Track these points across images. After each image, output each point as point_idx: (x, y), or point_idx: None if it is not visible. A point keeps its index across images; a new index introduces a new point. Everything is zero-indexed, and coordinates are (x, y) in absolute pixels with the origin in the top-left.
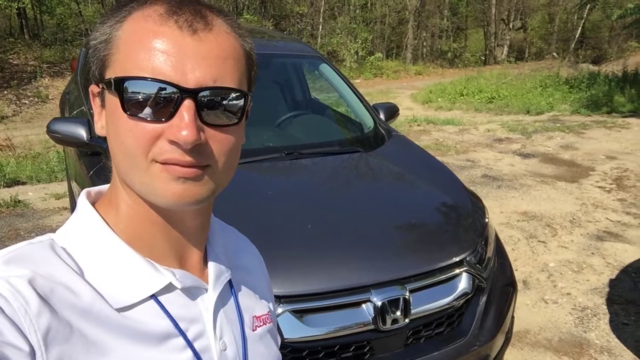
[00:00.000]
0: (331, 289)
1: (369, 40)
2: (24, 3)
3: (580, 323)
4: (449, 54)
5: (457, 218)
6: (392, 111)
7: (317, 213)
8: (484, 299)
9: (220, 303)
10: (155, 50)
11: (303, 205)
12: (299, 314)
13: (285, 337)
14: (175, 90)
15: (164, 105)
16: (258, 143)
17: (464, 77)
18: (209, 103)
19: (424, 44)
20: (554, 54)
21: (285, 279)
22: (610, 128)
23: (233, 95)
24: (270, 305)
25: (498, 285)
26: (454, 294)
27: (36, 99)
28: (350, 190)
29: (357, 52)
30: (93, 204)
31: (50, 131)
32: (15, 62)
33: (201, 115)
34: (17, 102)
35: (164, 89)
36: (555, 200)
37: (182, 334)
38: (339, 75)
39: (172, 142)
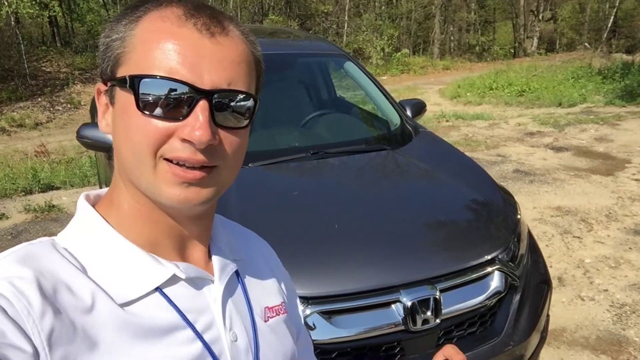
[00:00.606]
0: (359, 289)
1: (395, 36)
2: (55, 11)
3: (619, 320)
4: (477, 48)
5: (488, 215)
6: (419, 107)
7: (344, 212)
8: (517, 297)
9: (227, 294)
10: (172, 50)
11: (329, 204)
12: (328, 315)
13: (314, 338)
14: (191, 90)
15: (179, 104)
16: (284, 143)
17: (492, 70)
18: (222, 105)
19: (451, 38)
20: (586, 44)
21: (312, 280)
22: None
23: (244, 98)
24: (286, 295)
25: (532, 283)
26: (486, 293)
27: (69, 105)
28: (377, 189)
29: (383, 49)
30: (93, 205)
31: (79, 137)
32: (48, 70)
33: (215, 117)
34: (51, 109)
35: (180, 89)
36: (590, 194)
37: (191, 325)
38: (364, 72)
39: (185, 141)
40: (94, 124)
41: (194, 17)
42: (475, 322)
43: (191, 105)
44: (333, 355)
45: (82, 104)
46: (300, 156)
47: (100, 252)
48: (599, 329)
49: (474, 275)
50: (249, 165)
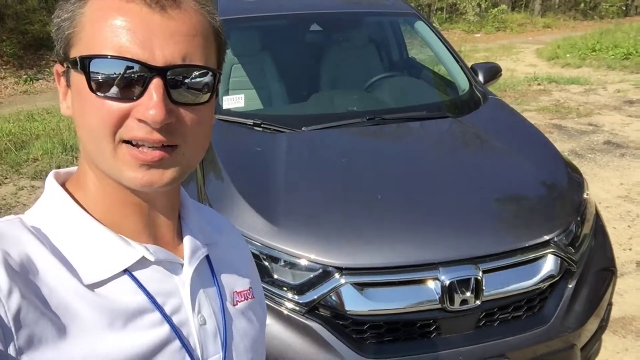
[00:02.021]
0: (395, 263)
1: None
2: None
3: None
4: (583, 5)
5: (549, 193)
6: (492, 72)
7: (391, 183)
8: (573, 283)
9: (197, 277)
10: (122, 27)
11: (377, 173)
12: (361, 286)
13: (346, 309)
14: (143, 68)
15: (132, 83)
16: (342, 107)
17: (598, 30)
18: (178, 81)
19: None
20: None
21: (347, 250)
22: None
23: (202, 73)
24: (252, 281)
25: (593, 268)
26: (536, 277)
27: None
28: (430, 160)
29: (479, 4)
30: (63, 184)
31: None
32: None
33: (171, 94)
34: None
35: (132, 67)
36: None
37: (159, 308)
38: (435, 33)
39: (141, 121)
40: None
41: None
42: (522, 307)
43: (144, 84)
44: (365, 327)
45: None
46: (355, 121)
47: (68, 232)
48: None
49: (524, 258)
50: (302, 129)
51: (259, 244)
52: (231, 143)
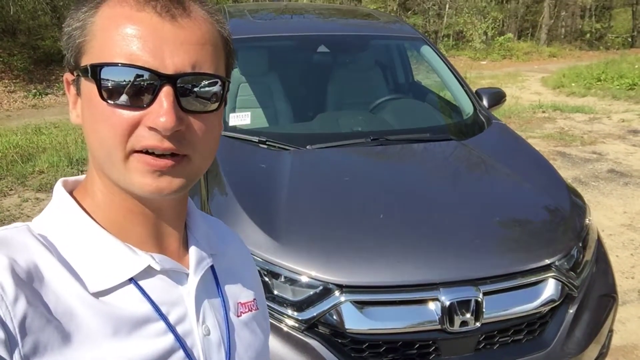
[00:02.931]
0: (396, 283)
1: (499, 19)
2: None
3: None
4: (589, 35)
5: (551, 217)
6: (497, 97)
7: (393, 202)
8: (574, 308)
9: (202, 288)
10: (132, 36)
11: (378, 193)
12: (361, 305)
13: (346, 327)
14: (153, 76)
15: (143, 91)
16: (346, 127)
17: (603, 60)
18: (188, 89)
19: (563, 24)
20: None
21: (348, 268)
22: None
23: (212, 81)
24: (256, 293)
25: (595, 294)
26: (537, 301)
27: None
28: (432, 180)
29: (485, 32)
30: (70, 192)
31: None
32: None
33: (180, 102)
34: None
35: (142, 75)
36: None
37: (163, 317)
38: (440, 57)
39: (151, 129)
40: None
41: (154, 0)
42: (522, 330)
43: (155, 92)
44: (364, 346)
45: None
46: (359, 141)
47: (75, 240)
48: None
49: (525, 281)
50: (307, 147)
51: (261, 260)
52: (236, 159)
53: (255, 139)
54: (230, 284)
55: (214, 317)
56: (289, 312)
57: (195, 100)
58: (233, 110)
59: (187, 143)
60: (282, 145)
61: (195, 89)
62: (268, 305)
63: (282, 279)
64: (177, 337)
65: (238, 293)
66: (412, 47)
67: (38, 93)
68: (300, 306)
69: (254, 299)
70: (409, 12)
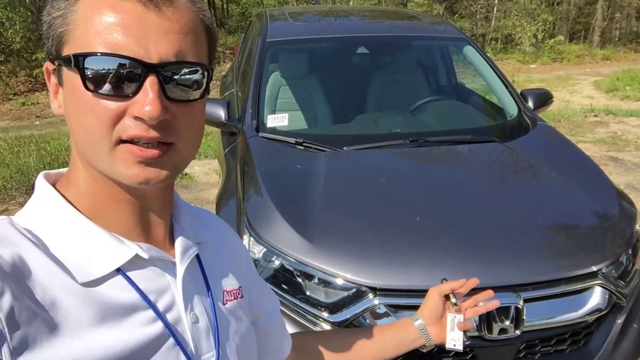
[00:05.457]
0: (430, 287)
1: (549, 22)
2: None
3: None
4: None
5: (598, 223)
6: (543, 98)
7: (430, 205)
8: (622, 318)
9: (188, 276)
10: (116, 25)
11: (415, 195)
12: (394, 309)
13: None
14: (138, 65)
15: (127, 81)
16: (385, 128)
17: None
18: (172, 78)
19: (617, 26)
20: None
21: (382, 271)
22: None
23: (192, 70)
24: (242, 281)
25: None
26: (582, 310)
27: (218, 82)
28: (472, 183)
29: (535, 35)
30: (53, 185)
31: None
32: None
33: (165, 91)
34: None
35: (127, 64)
36: None
37: (152, 306)
38: (484, 58)
39: (137, 119)
40: (208, 99)
41: None
42: (566, 340)
43: (140, 81)
44: None
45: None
46: (397, 143)
47: (60, 231)
48: None
49: (570, 288)
50: (344, 148)
51: (294, 260)
52: (272, 160)
53: (292, 140)
54: (216, 273)
55: (202, 304)
56: (322, 313)
57: (176, 88)
58: (273, 112)
59: (172, 131)
60: (318, 146)
61: (176, 77)
62: (301, 307)
63: (316, 281)
64: (167, 325)
65: (224, 281)
66: (454, 48)
67: None
68: (333, 308)
69: (239, 287)
70: (456, 15)
